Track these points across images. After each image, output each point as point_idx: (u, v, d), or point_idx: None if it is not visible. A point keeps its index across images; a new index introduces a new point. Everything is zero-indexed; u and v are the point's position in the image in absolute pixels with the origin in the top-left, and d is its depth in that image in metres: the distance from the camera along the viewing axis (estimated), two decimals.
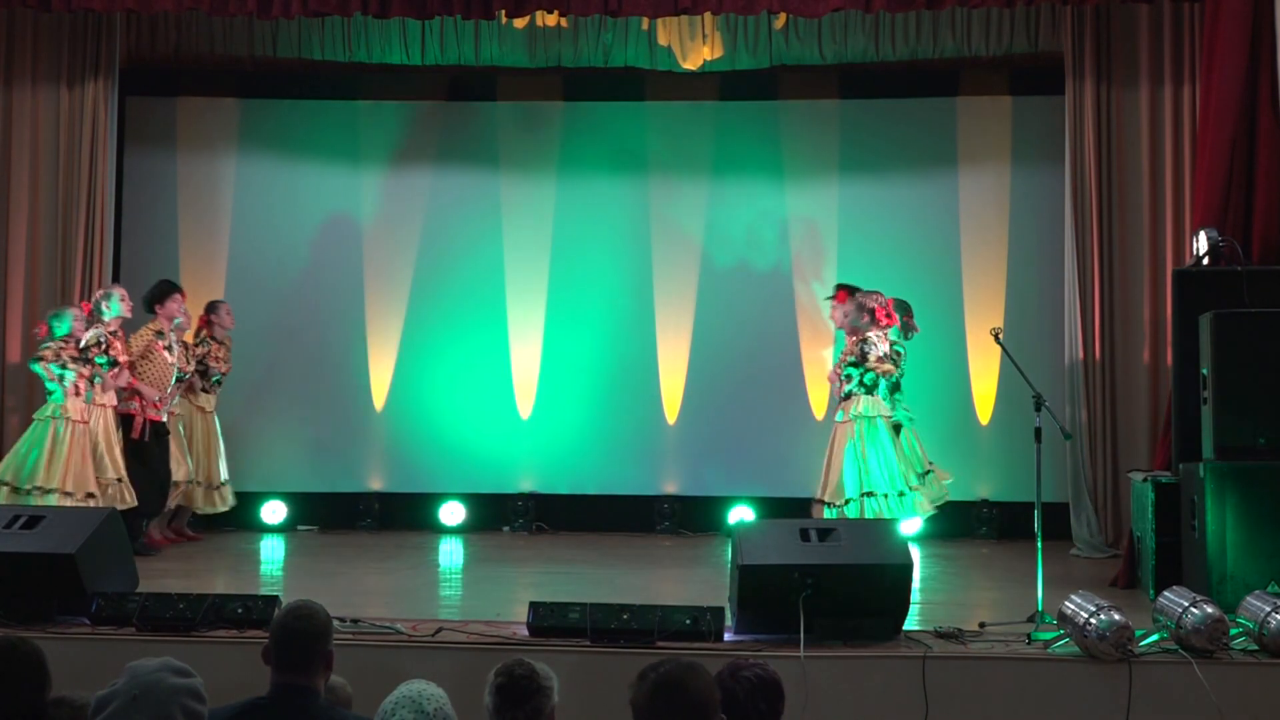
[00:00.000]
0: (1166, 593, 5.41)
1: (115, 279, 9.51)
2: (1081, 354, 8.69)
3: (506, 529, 9.80)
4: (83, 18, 9.20)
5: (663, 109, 10.13)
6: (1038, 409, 5.84)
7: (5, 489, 7.76)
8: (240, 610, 5.38)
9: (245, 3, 8.01)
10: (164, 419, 8.50)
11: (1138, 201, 8.68)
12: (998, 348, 6.46)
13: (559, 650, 5.01)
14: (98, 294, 8.36)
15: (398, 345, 10.11)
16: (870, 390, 8.01)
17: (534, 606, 5.35)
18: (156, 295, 8.53)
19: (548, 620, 5.29)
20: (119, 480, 8.01)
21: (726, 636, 5.27)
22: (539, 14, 8.77)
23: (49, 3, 8.23)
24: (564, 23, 9.51)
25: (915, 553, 6.09)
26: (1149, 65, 8.66)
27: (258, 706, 3.22)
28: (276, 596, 5.55)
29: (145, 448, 8.32)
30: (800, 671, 4.82)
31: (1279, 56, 7.13)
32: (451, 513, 9.79)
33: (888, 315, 8.18)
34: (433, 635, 5.36)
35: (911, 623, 5.54)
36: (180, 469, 8.62)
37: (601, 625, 5.21)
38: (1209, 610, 5.06)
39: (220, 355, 9.06)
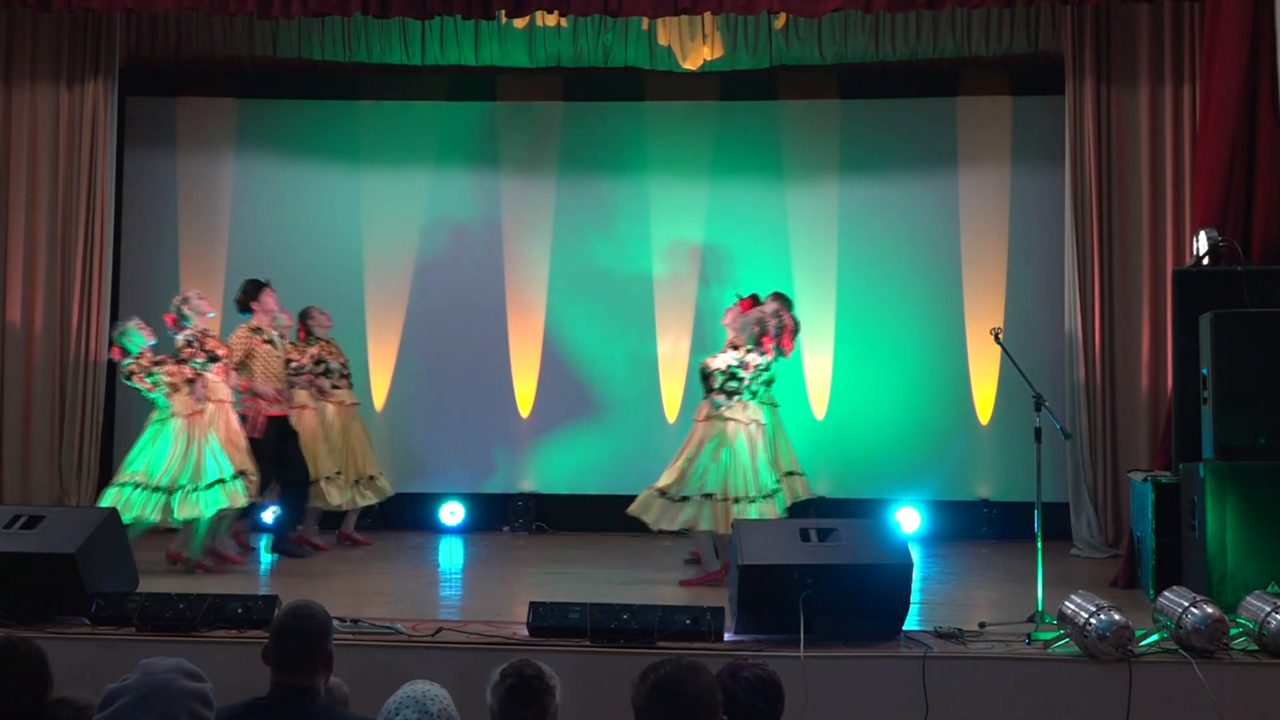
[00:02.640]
0: (1166, 593, 5.41)
1: (115, 279, 9.51)
2: (1081, 354, 8.68)
3: (506, 529, 9.81)
4: (83, 18, 9.21)
5: (663, 109, 10.13)
6: (1038, 409, 5.83)
7: (145, 490, 7.39)
8: (240, 610, 5.38)
9: (245, 3, 8.00)
10: (288, 414, 8.33)
11: (1138, 201, 8.67)
12: (998, 348, 6.45)
13: (559, 650, 5.01)
14: (175, 300, 7.91)
15: (398, 345, 10.12)
16: (731, 396, 7.42)
17: (534, 606, 5.35)
18: (250, 294, 8.26)
19: (548, 620, 5.28)
20: (236, 476, 7.63)
21: (726, 636, 5.27)
22: (539, 14, 8.78)
23: (49, 3, 8.23)
24: (564, 23, 9.52)
25: (915, 553, 6.08)
26: (1149, 65, 8.65)
27: (258, 706, 3.23)
28: (276, 596, 5.54)
29: (279, 446, 8.14)
30: (800, 671, 4.81)
31: (1279, 56, 7.13)
32: (451, 513, 9.80)
33: (774, 347, 7.73)
34: (433, 635, 5.36)
35: (911, 623, 5.53)
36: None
37: (601, 625, 5.21)
38: (1209, 610, 5.06)
39: (332, 351, 8.93)
